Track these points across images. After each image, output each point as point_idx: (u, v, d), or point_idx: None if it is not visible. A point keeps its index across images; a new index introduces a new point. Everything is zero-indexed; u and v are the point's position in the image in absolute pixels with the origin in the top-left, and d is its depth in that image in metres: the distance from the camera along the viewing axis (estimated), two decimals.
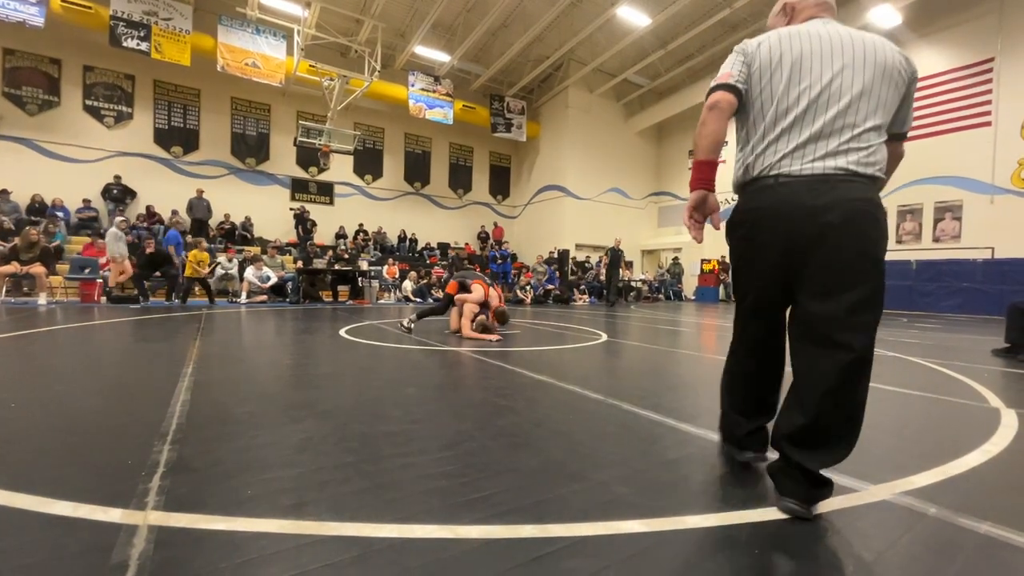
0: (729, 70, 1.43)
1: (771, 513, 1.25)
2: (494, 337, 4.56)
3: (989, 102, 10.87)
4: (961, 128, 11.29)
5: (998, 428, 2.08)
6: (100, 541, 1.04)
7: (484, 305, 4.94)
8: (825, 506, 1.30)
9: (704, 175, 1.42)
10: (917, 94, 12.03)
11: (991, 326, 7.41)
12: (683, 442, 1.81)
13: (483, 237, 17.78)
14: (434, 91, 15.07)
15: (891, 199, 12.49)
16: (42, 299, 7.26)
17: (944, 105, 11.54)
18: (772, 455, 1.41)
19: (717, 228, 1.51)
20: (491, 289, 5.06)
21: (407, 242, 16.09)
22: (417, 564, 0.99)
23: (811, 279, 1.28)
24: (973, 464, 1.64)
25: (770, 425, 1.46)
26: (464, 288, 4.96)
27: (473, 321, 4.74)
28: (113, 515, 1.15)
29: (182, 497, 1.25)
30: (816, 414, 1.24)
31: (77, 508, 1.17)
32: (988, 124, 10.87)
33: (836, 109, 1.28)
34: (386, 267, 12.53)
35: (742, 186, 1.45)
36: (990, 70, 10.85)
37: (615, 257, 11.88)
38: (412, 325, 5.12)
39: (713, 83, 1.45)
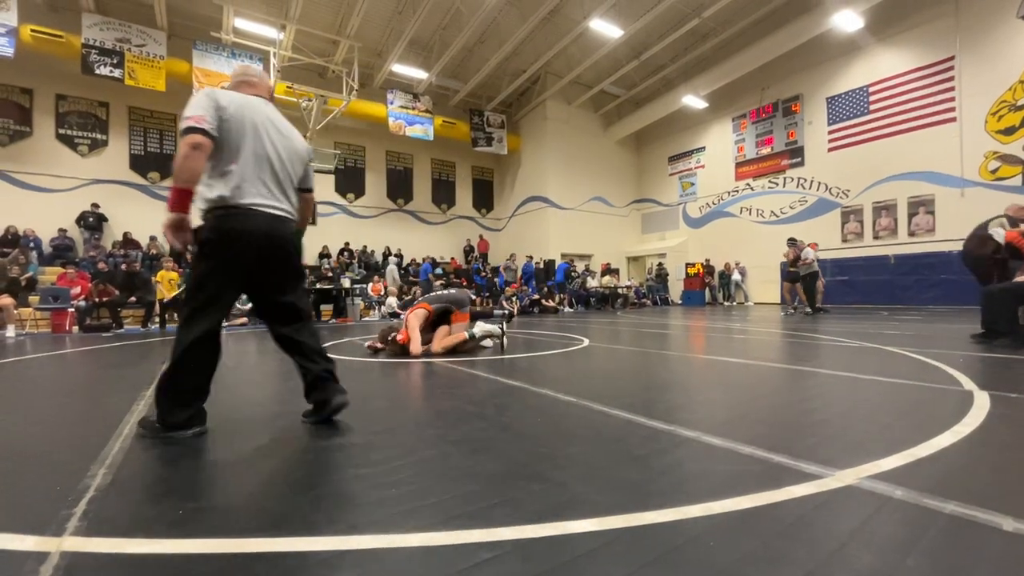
0: (204, 114, 1.77)
1: (732, 504, 1.20)
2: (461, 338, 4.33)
3: (952, 99, 11.22)
4: (928, 125, 11.62)
5: (970, 409, 2.06)
6: (2, 571, 0.96)
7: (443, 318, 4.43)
8: (788, 493, 1.25)
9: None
10: (884, 93, 12.44)
11: (970, 315, 7.51)
12: (651, 439, 1.75)
13: (468, 251, 17.76)
14: (413, 108, 15.18)
15: (866, 196, 12.77)
16: (10, 331, 7.04)
17: (909, 104, 11.88)
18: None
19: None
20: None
21: (392, 259, 15.99)
22: None
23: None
24: (942, 445, 1.61)
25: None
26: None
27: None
28: (26, 543, 1.06)
29: (106, 521, 1.17)
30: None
31: None
32: (953, 120, 11.20)
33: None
34: (371, 284, 12.41)
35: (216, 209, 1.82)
36: (951, 68, 11.22)
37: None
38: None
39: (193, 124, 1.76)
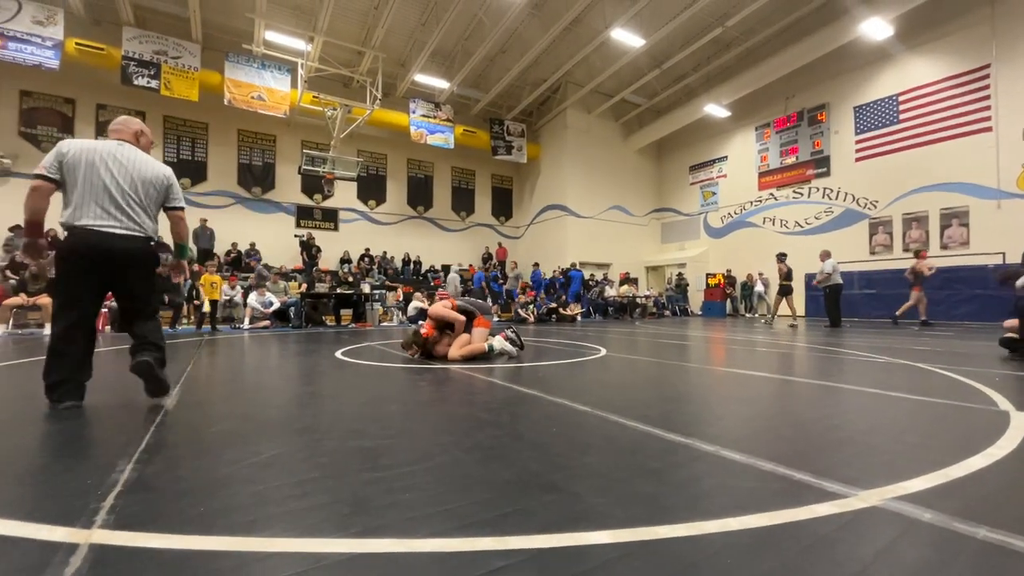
0: (45, 163, 2.31)
1: (752, 521, 1.17)
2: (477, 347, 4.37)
3: (988, 108, 10.85)
4: (962, 135, 11.25)
5: (1006, 431, 1.97)
6: (35, 560, 1.00)
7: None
8: (809, 512, 1.22)
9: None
10: (916, 102, 12.08)
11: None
12: (668, 451, 1.73)
13: (487, 258, 17.85)
14: (435, 117, 15.41)
15: (895, 207, 12.40)
16: (47, 329, 7.34)
17: (942, 113, 11.53)
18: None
19: None
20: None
21: (411, 265, 16.19)
22: None
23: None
24: (976, 467, 1.55)
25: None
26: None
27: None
28: (57, 534, 1.11)
29: (133, 515, 1.21)
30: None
31: (21, 527, 1.13)
32: (989, 129, 10.82)
33: None
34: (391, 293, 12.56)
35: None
36: (987, 76, 10.87)
37: None
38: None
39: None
